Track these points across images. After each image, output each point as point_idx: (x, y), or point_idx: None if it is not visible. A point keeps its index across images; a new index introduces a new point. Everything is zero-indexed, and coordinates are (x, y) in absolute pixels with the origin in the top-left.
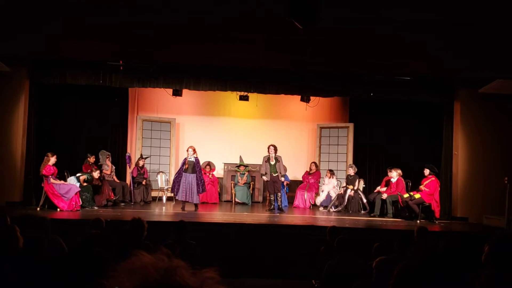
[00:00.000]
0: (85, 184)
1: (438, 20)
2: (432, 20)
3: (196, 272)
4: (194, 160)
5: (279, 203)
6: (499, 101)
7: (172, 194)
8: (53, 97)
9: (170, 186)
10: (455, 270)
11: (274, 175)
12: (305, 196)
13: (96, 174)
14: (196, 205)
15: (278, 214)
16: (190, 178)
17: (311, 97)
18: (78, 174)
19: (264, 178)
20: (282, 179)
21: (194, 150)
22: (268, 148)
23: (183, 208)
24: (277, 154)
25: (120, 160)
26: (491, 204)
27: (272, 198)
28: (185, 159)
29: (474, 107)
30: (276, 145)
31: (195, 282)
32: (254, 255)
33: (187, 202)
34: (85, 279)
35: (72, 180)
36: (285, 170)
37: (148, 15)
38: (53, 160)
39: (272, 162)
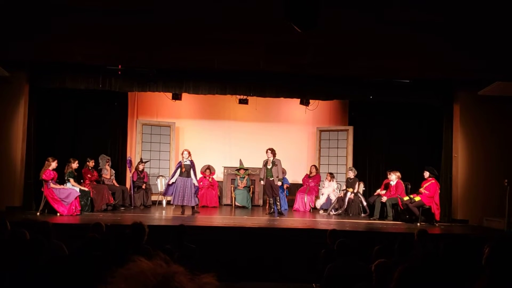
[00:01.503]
0: (72, 180)
1: (438, 22)
2: (432, 22)
3: (194, 277)
4: (190, 164)
5: (278, 207)
6: (498, 103)
7: (170, 199)
8: (52, 101)
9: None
10: (456, 273)
11: (270, 179)
12: (305, 199)
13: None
14: (194, 208)
15: (278, 218)
16: (187, 182)
17: (311, 100)
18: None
19: (262, 182)
20: (279, 183)
21: (189, 153)
22: (266, 151)
23: (182, 212)
24: (275, 157)
25: (120, 164)
26: (491, 206)
27: (271, 202)
28: (181, 162)
29: (474, 109)
30: (276, 149)
31: None
32: (255, 258)
33: (185, 206)
34: (85, 284)
35: (69, 186)
36: (284, 173)
37: (147, 18)
38: (54, 165)
39: (269, 166)
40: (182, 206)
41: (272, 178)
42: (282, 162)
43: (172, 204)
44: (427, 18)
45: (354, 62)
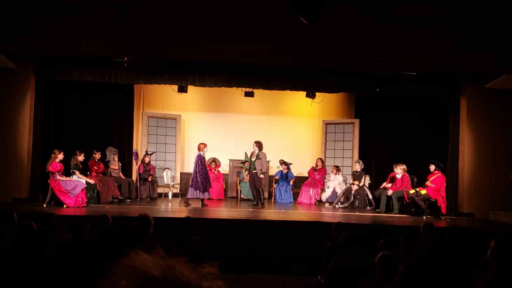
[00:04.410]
0: (77, 172)
1: (444, 16)
2: (439, 15)
3: (195, 267)
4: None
5: (258, 199)
6: (505, 96)
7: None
8: (59, 93)
9: (176, 183)
10: (461, 266)
11: (253, 171)
12: (311, 192)
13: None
14: (203, 200)
15: (262, 210)
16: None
17: (317, 93)
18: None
19: (246, 172)
20: (262, 176)
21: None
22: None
23: (187, 204)
24: (261, 151)
25: (126, 157)
26: (498, 199)
27: (255, 194)
28: (203, 156)
29: (481, 102)
30: (282, 141)
31: (195, 278)
32: (260, 251)
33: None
34: (90, 275)
35: (75, 178)
36: (266, 168)
37: (153, 11)
38: (60, 157)
39: (253, 159)
40: (188, 199)
41: (255, 171)
42: (288, 154)
43: (179, 197)
44: (430, 11)
45: (360, 56)
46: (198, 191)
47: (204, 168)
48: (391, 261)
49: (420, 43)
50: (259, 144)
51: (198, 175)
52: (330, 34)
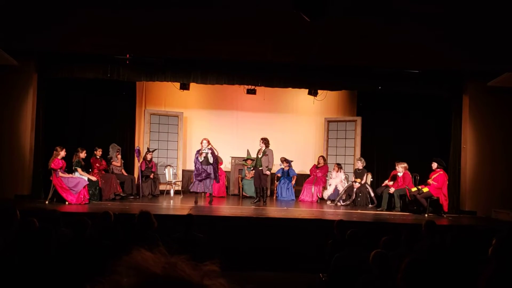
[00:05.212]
0: (79, 169)
1: (447, 13)
2: (441, 13)
3: (197, 265)
4: (208, 152)
5: (261, 197)
6: (508, 94)
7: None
8: (61, 91)
9: (178, 180)
10: (463, 264)
11: (259, 168)
12: (313, 190)
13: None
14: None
15: (264, 207)
16: (209, 170)
17: (319, 91)
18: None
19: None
20: (268, 172)
21: (208, 142)
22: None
23: (196, 202)
24: (268, 147)
25: (128, 154)
26: (500, 197)
27: (258, 191)
28: (199, 151)
29: (483, 101)
30: (284, 139)
31: (197, 276)
32: (262, 248)
33: (199, 196)
34: (91, 272)
35: (77, 175)
36: (271, 164)
37: (156, 9)
38: (62, 154)
39: (260, 156)
40: (196, 195)
41: (261, 168)
42: (289, 152)
43: (180, 194)
44: (436, 11)
45: (362, 54)
46: (201, 184)
47: (199, 164)
48: (385, 259)
49: (423, 41)
50: (265, 141)
51: (195, 171)
52: (332, 31)
